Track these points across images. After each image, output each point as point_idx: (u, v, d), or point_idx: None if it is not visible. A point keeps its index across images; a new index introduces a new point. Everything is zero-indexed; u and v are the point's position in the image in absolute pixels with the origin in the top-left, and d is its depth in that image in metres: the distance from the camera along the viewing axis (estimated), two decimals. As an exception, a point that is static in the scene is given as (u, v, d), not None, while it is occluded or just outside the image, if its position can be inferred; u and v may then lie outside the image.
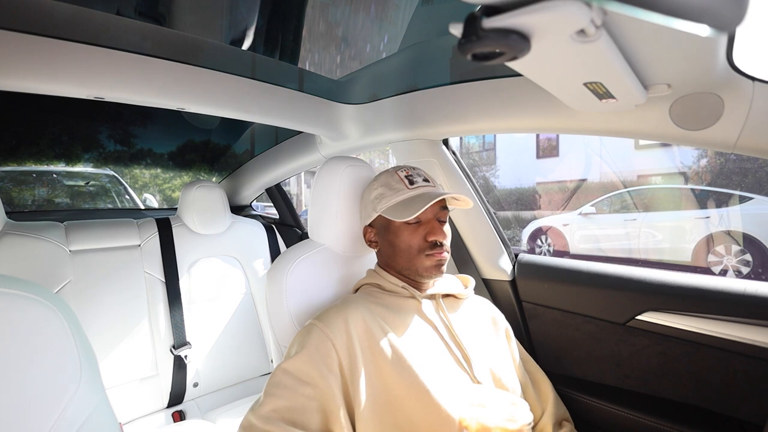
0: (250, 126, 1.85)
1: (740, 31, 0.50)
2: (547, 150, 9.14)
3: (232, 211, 1.73)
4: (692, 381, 0.90)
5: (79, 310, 1.29)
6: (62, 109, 1.61)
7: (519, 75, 0.69)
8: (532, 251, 5.32)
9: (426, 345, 0.73)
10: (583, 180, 7.90)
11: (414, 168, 0.85)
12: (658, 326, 0.92)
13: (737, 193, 4.39)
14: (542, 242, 5.82)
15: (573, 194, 7.65)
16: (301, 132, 1.54)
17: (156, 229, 1.53)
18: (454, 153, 1.25)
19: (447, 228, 0.81)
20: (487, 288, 1.23)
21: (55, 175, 2.73)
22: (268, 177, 1.87)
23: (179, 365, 1.44)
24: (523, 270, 1.18)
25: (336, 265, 0.94)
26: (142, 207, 2.92)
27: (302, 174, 7.14)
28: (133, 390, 1.37)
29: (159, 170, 2.67)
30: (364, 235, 0.87)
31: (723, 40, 0.53)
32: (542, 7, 0.35)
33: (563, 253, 5.51)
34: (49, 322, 0.44)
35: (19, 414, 0.40)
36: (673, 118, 0.72)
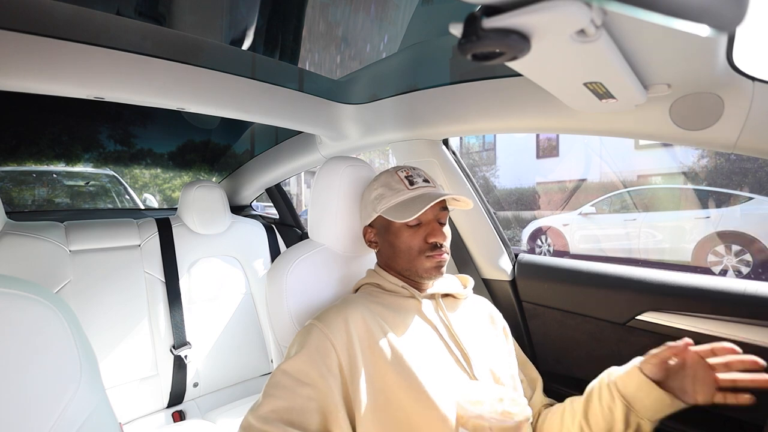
0: (250, 126, 1.85)
1: (740, 31, 0.50)
2: (547, 150, 9.14)
3: (232, 211, 1.73)
4: (692, 381, 0.90)
5: (79, 310, 1.29)
6: (62, 109, 1.61)
7: (519, 75, 0.69)
8: (532, 251, 5.32)
9: (426, 345, 0.73)
10: (583, 180, 7.90)
11: (414, 168, 0.84)
12: (658, 326, 0.92)
13: (737, 193, 4.39)
14: (542, 242, 5.82)
15: (573, 194, 7.65)
16: (301, 132, 1.54)
17: (156, 229, 1.53)
18: (454, 153, 1.25)
19: (447, 229, 0.81)
20: (487, 288, 1.23)
21: (55, 175, 2.73)
22: (268, 177, 1.87)
23: (179, 365, 1.44)
24: (523, 270, 1.18)
25: (336, 265, 0.94)
26: (142, 207, 2.92)
27: (302, 174, 7.15)
28: (133, 390, 1.37)
29: (159, 170, 2.67)
30: (364, 236, 0.87)
31: (723, 40, 0.53)
32: (542, 7, 0.35)
33: (563, 253, 5.51)
34: (49, 322, 0.44)
35: (19, 414, 0.40)
36: (673, 118, 0.72)
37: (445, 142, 1.23)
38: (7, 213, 1.34)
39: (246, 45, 1.13)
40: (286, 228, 2.09)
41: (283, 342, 0.85)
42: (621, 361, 1.03)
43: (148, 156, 2.15)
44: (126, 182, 3.10)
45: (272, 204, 2.19)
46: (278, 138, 1.68)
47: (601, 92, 0.64)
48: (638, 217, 5.12)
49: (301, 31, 1.15)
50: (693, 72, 0.61)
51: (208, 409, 1.45)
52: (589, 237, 5.45)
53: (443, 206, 0.81)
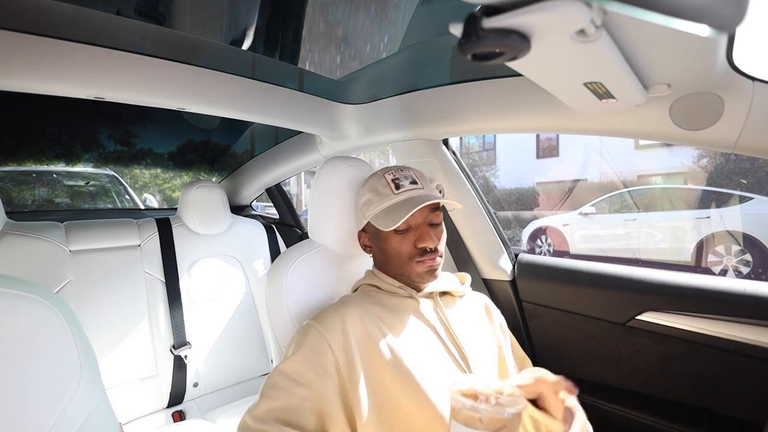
0: (250, 126, 1.85)
1: (740, 31, 0.50)
2: (547, 150, 9.14)
3: (232, 211, 1.73)
4: (692, 381, 0.90)
5: (79, 310, 1.29)
6: (62, 109, 1.61)
7: (519, 75, 0.69)
8: (532, 251, 5.32)
9: (423, 344, 0.73)
10: (584, 180, 7.90)
11: (402, 169, 0.82)
12: (658, 326, 0.92)
13: (737, 193, 4.39)
14: (542, 242, 5.82)
15: (573, 194, 7.65)
16: (301, 132, 1.55)
17: (156, 229, 1.53)
18: (454, 153, 1.25)
19: (441, 229, 0.79)
20: (487, 288, 1.23)
21: (55, 175, 2.73)
22: (268, 177, 1.87)
23: (179, 365, 1.44)
24: (523, 270, 1.18)
25: (336, 265, 0.94)
26: (142, 207, 2.92)
27: (302, 174, 7.14)
28: (133, 390, 1.37)
29: (159, 170, 2.67)
30: (359, 240, 0.87)
31: (723, 40, 0.53)
32: (542, 7, 0.35)
33: (563, 253, 5.51)
34: (49, 322, 0.44)
35: (19, 414, 0.40)
36: (673, 118, 0.72)
37: (445, 142, 1.23)
38: (7, 213, 1.34)
39: (246, 45, 1.13)
40: (286, 228, 2.09)
41: (283, 342, 0.85)
42: (621, 361, 1.03)
43: (148, 156, 2.15)
44: (126, 182, 3.10)
45: (272, 204, 2.19)
46: (278, 138, 1.68)
47: (601, 92, 0.64)
48: (638, 217, 5.13)
49: (301, 31, 1.15)
50: (693, 72, 0.61)
51: (208, 409, 1.45)
52: (589, 237, 5.45)
53: (434, 207, 0.78)
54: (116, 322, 1.37)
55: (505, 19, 0.36)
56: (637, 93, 0.63)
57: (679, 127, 0.73)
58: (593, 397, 1.01)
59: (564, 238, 5.56)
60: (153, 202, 3.53)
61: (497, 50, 0.40)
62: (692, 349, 0.89)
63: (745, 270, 4.02)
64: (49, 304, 0.45)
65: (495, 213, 1.26)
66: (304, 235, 1.86)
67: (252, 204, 2.27)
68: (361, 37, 1.20)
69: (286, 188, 2.19)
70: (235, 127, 1.88)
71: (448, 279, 0.87)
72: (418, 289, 0.81)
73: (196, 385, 1.50)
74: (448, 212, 1.23)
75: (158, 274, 1.48)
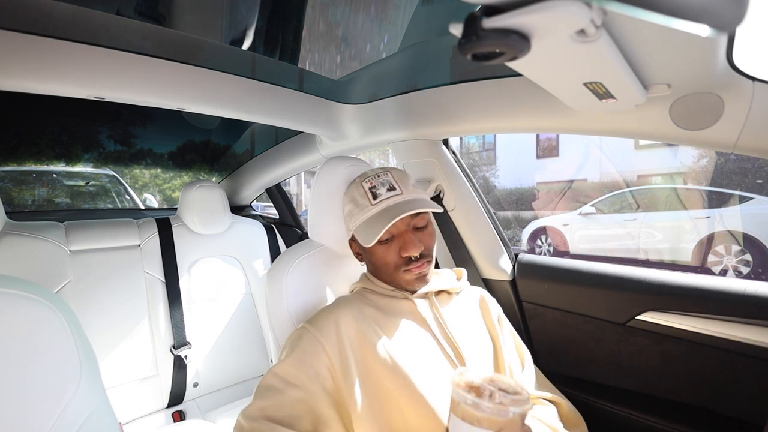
0: (250, 126, 1.85)
1: (740, 31, 0.50)
2: (547, 150, 9.14)
3: (232, 211, 1.73)
4: (692, 381, 0.90)
5: (79, 310, 1.29)
6: (62, 109, 1.61)
7: (519, 75, 0.69)
8: (532, 251, 5.32)
9: (418, 344, 0.72)
10: (584, 180, 7.90)
11: (379, 175, 0.79)
12: (658, 326, 0.92)
13: (737, 193, 4.38)
14: (542, 242, 5.82)
15: (572, 194, 7.65)
16: (301, 132, 1.54)
17: (156, 229, 1.53)
18: (454, 153, 1.25)
19: (429, 232, 0.77)
20: (487, 288, 1.23)
21: (55, 175, 2.73)
22: (268, 177, 1.87)
23: (179, 365, 1.44)
24: (523, 270, 1.18)
25: (336, 265, 0.94)
26: (142, 207, 2.92)
27: (302, 174, 7.14)
28: (133, 390, 1.37)
29: (159, 170, 2.67)
30: (351, 248, 0.86)
31: (723, 40, 0.53)
32: (542, 7, 0.35)
33: (563, 253, 5.51)
34: (49, 322, 0.44)
35: (20, 414, 0.40)
36: (673, 118, 0.72)
37: (445, 142, 1.23)
38: (7, 213, 1.34)
39: (246, 45, 1.13)
40: (286, 228, 2.09)
41: (282, 342, 0.85)
42: (621, 361, 1.03)
43: (148, 156, 2.14)
44: (126, 182, 3.10)
45: (272, 204, 2.19)
46: (278, 138, 1.68)
47: (601, 92, 0.63)
48: (638, 217, 5.12)
49: (301, 31, 1.15)
50: (693, 72, 0.61)
51: (208, 409, 1.45)
52: (589, 237, 5.45)
53: (418, 211, 0.75)
54: (116, 322, 1.37)
55: (505, 19, 0.36)
56: (637, 93, 0.63)
57: (679, 127, 0.73)
58: (593, 396, 1.01)
59: (564, 238, 5.56)
60: (153, 202, 3.53)
61: (497, 50, 0.40)
62: (692, 349, 0.89)
63: (745, 270, 4.01)
64: (49, 304, 0.45)
65: (495, 213, 1.26)
66: (304, 235, 1.86)
67: (252, 204, 2.27)
68: (361, 37, 1.20)
69: (286, 188, 2.19)
70: (235, 127, 1.88)
71: (444, 277, 0.86)
72: (413, 291, 0.80)
73: (196, 385, 1.50)
74: (449, 212, 1.23)
75: (158, 274, 1.48)
